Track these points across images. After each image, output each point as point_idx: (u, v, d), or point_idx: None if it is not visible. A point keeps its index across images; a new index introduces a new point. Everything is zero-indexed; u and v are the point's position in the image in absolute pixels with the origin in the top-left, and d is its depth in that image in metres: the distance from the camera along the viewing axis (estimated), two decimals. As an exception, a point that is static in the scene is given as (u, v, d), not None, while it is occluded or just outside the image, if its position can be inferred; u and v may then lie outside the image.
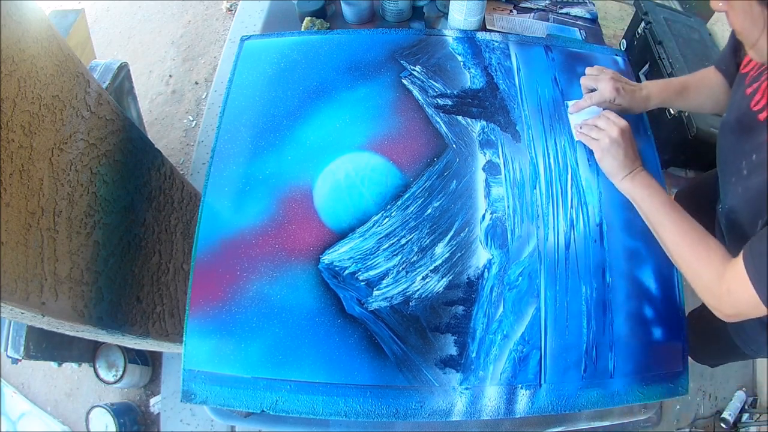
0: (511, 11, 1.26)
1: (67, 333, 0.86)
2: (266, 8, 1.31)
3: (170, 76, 2.17)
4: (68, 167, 0.83)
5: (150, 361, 1.58)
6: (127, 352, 1.47)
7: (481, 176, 0.90)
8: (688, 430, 1.57)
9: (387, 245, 0.84)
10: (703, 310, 0.71)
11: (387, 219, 0.86)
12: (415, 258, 0.83)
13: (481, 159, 0.91)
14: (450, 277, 0.82)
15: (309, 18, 1.20)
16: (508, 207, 0.87)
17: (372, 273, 0.82)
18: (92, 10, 2.32)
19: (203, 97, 2.10)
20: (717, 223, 0.92)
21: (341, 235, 0.84)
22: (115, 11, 2.39)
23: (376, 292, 0.81)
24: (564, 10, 1.29)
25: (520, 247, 0.84)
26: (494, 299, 0.81)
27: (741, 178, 0.72)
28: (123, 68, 1.45)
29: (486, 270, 0.83)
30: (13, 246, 0.67)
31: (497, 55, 1.03)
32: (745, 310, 0.62)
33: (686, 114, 1.56)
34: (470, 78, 1.00)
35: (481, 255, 0.84)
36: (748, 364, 1.68)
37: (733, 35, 0.81)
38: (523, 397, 0.77)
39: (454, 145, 0.92)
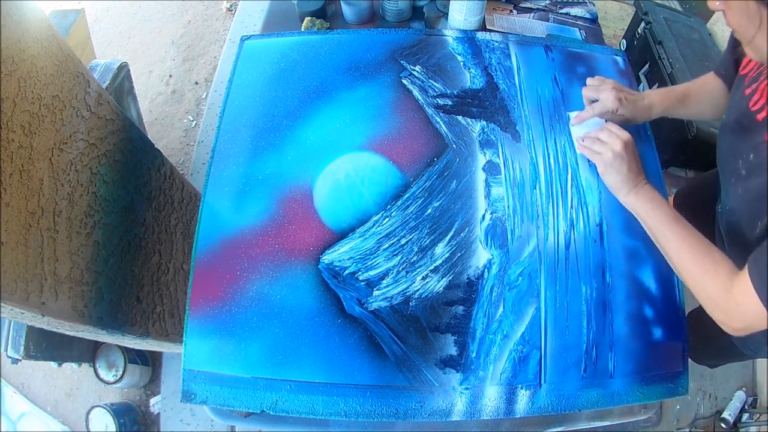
0: (511, 11, 1.26)
1: (67, 333, 0.86)
2: (266, 8, 1.31)
3: (170, 76, 2.17)
4: (68, 167, 0.83)
5: (150, 361, 1.58)
6: (127, 352, 1.47)
7: (481, 176, 0.90)
8: (688, 430, 1.57)
9: (387, 245, 0.84)
10: (701, 311, 0.71)
11: (387, 219, 0.86)
12: (415, 258, 0.83)
13: (481, 159, 0.91)
14: (450, 277, 0.82)
15: (309, 18, 1.20)
16: (508, 207, 0.87)
17: (372, 273, 0.82)
18: (92, 10, 2.32)
19: (203, 97, 2.10)
20: (717, 223, 0.92)
21: (341, 235, 0.84)
22: (115, 11, 2.39)
23: (376, 292, 0.81)
24: (564, 10, 1.29)
25: (520, 247, 0.84)
26: (494, 299, 0.81)
27: (740, 179, 0.71)
28: (123, 68, 1.45)
29: (486, 270, 0.83)
30: (13, 246, 0.67)
31: (497, 55, 1.03)
32: (752, 323, 0.61)
33: (686, 114, 1.56)
34: (470, 78, 1.00)
35: (481, 255, 0.84)
36: (748, 364, 1.68)
37: (732, 39, 0.81)
38: (523, 397, 0.77)
39: (454, 145, 0.92)
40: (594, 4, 1.32)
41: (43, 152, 0.77)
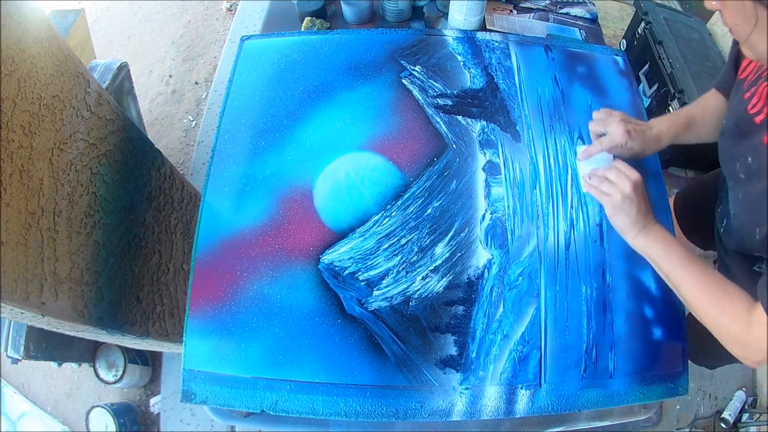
0: (511, 11, 1.26)
1: (67, 333, 0.86)
2: (266, 8, 1.31)
3: (170, 76, 2.17)
4: (68, 167, 0.83)
5: (150, 361, 1.58)
6: (127, 352, 1.47)
7: (481, 176, 0.90)
8: (688, 430, 1.57)
9: (387, 245, 0.84)
10: None
11: (387, 219, 0.86)
12: (415, 258, 0.83)
13: (481, 159, 0.91)
14: (450, 277, 0.82)
15: (309, 18, 1.20)
16: (508, 207, 0.87)
17: (372, 273, 0.82)
18: (92, 10, 2.31)
19: (203, 97, 2.09)
20: (716, 225, 0.92)
21: (341, 235, 0.84)
22: (115, 11, 2.39)
23: (376, 292, 0.81)
24: (564, 10, 1.29)
25: (520, 247, 0.84)
26: (494, 299, 0.81)
27: (740, 183, 0.71)
28: (123, 68, 1.45)
29: (486, 270, 0.83)
30: (13, 246, 0.67)
31: (497, 55, 1.03)
32: None
33: (686, 114, 1.56)
34: (470, 78, 1.00)
35: (481, 255, 0.84)
36: (748, 364, 1.68)
37: (732, 49, 0.81)
38: (523, 397, 0.77)
39: (454, 145, 0.92)
40: (594, 4, 1.32)
41: (43, 152, 0.77)
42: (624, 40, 2.01)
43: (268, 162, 0.90)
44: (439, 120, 0.95)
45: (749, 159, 0.68)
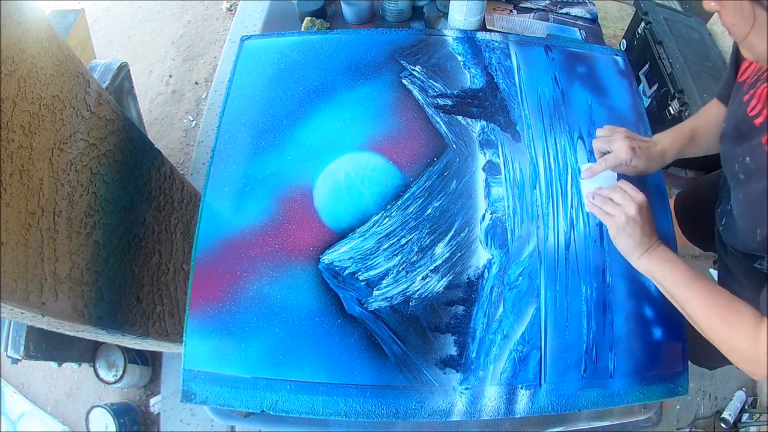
0: (511, 11, 1.26)
1: (67, 333, 0.86)
2: (266, 8, 1.31)
3: (170, 76, 2.17)
4: (68, 167, 0.83)
5: (150, 361, 1.58)
6: (127, 352, 1.47)
7: (481, 176, 0.90)
8: (688, 430, 1.57)
9: (387, 245, 0.84)
10: None
11: (387, 219, 0.86)
12: (415, 258, 0.83)
13: (481, 159, 0.91)
14: (450, 277, 0.82)
15: (309, 18, 1.20)
16: (508, 207, 0.87)
17: (372, 273, 0.82)
18: (92, 10, 2.32)
19: (203, 97, 2.09)
20: (716, 225, 0.92)
21: (341, 235, 0.84)
22: (115, 11, 2.39)
23: (376, 292, 0.81)
24: (564, 10, 1.29)
25: (520, 247, 0.84)
26: (494, 299, 0.81)
27: (740, 184, 0.71)
28: (123, 68, 1.45)
29: (486, 270, 0.83)
30: (13, 246, 0.67)
31: (497, 55, 1.03)
32: None
33: (686, 113, 1.56)
34: (470, 78, 1.00)
35: (481, 255, 0.84)
36: (748, 364, 1.67)
37: (733, 56, 0.81)
38: (523, 397, 0.77)
39: (454, 145, 0.92)
40: (594, 4, 1.32)
41: (43, 152, 0.77)
42: (624, 40, 2.01)
43: (268, 162, 0.90)
44: (439, 120, 0.95)
45: (747, 159, 0.68)
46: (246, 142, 0.92)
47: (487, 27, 1.20)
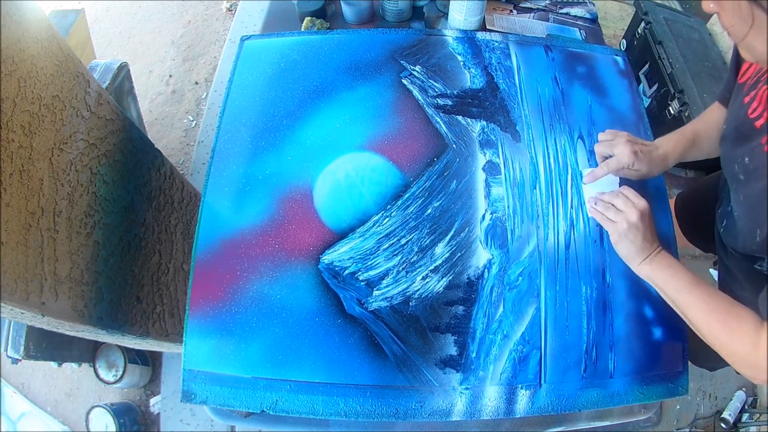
0: (511, 11, 1.26)
1: (67, 333, 0.86)
2: (266, 8, 1.31)
3: (170, 76, 2.17)
4: (68, 167, 0.83)
5: (150, 361, 1.58)
6: (127, 352, 1.47)
7: (481, 176, 0.90)
8: (688, 430, 1.57)
9: (387, 245, 0.84)
10: None
11: (387, 219, 0.86)
12: (415, 258, 0.83)
13: (481, 159, 0.91)
14: (450, 277, 0.82)
15: (309, 18, 1.20)
16: (508, 207, 0.87)
17: (372, 273, 0.82)
18: (92, 10, 2.31)
19: (203, 97, 2.09)
20: (716, 226, 0.92)
21: (341, 235, 0.84)
22: (115, 11, 2.39)
23: (376, 292, 0.81)
24: (564, 10, 1.29)
25: (520, 247, 0.84)
26: (494, 299, 0.81)
27: (740, 185, 0.71)
28: (123, 68, 1.45)
29: (486, 270, 0.83)
30: (13, 246, 0.67)
31: (497, 55, 1.03)
32: None
33: (686, 113, 1.56)
34: (470, 78, 1.00)
35: (481, 255, 0.84)
36: (748, 364, 1.67)
37: (733, 59, 0.81)
38: (523, 397, 0.77)
39: (454, 145, 0.92)
40: (594, 4, 1.32)
41: (43, 152, 0.77)
42: (624, 40, 2.01)
43: (268, 162, 0.90)
44: (439, 120, 0.95)
45: (746, 160, 0.68)
46: (246, 142, 0.92)
47: (487, 27, 1.20)
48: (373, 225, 0.85)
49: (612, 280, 0.83)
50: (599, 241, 0.86)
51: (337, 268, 0.82)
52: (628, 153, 0.80)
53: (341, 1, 1.19)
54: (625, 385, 0.79)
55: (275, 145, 0.92)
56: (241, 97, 0.97)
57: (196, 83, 2.14)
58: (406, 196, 0.87)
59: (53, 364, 1.59)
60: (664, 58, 1.69)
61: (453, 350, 0.78)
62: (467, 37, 1.06)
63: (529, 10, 1.27)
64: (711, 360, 1.13)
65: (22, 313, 0.70)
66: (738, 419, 1.59)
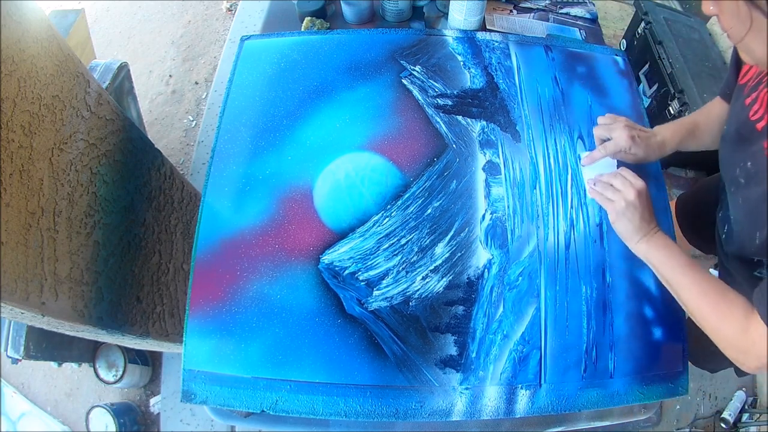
0: (511, 11, 1.26)
1: (67, 333, 0.86)
2: (266, 8, 1.31)
3: (170, 76, 2.16)
4: (68, 167, 0.83)
5: (150, 361, 1.58)
6: (127, 352, 1.47)
7: (481, 176, 0.90)
8: (688, 430, 1.57)
9: (387, 245, 0.84)
10: None
11: (387, 219, 0.86)
12: (415, 258, 0.83)
13: (481, 159, 0.91)
14: (450, 277, 0.82)
15: (309, 18, 1.20)
16: (508, 207, 0.87)
17: (372, 273, 0.82)
18: (92, 10, 2.31)
19: (203, 97, 2.09)
20: (717, 229, 0.92)
21: (341, 235, 0.84)
22: (115, 11, 2.39)
23: (376, 292, 0.81)
24: (564, 10, 1.29)
25: (520, 247, 0.84)
26: (494, 299, 0.81)
27: (740, 188, 0.71)
28: (123, 68, 1.45)
29: (486, 270, 0.83)
30: (13, 246, 0.67)
31: (497, 55, 1.03)
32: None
33: (686, 113, 1.56)
34: (470, 78, 1.00)
35: (481, 255, 0.84)
36: (748, 364, 1.67)
37: (733, 55, 0.81)
38: (523, 397, 0.77)
39: (454, 145, 0.92)
40: (594, 4, 1.32)
41: (43, 152, 0.77)
42: (624, 40, 2.01)
43: (268, 162, 0.90)
44: (439, 120, 0.95)
45: (749, 164, 0.68)
46: (246, 142, 0.92)
47: (487, 27, 1.20)
48: (373, 225, 0.85)
49: (612, 280, 0.83)
50: (599, 241, 0.86)
51: (337, 268, 0.82)
52: (626, 137, 0.81)
53: (341, 1, 1.20)
54: (625, 385, 0.79)
55: (275, 145, 0.92)
56: (241, 97, 0.97)
57: (196, 83, 2.14)
58: (406, 196, 0.87)
59: (53, 364, 1.59)
60: (664, 58, 1.69)
61: (453, 350, 0.78)
62: (467, 37, 1.06)
63: (529, 10, 1.27)
64: (712, 362, 1.13)
65: (22, 313, 0.70)
66: (738, 419, 1.59)
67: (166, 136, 2.02)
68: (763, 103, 0.67)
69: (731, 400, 1.62)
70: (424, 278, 0.82)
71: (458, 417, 0.76)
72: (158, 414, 1.49)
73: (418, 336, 0.78)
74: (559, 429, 0.93)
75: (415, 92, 0.97)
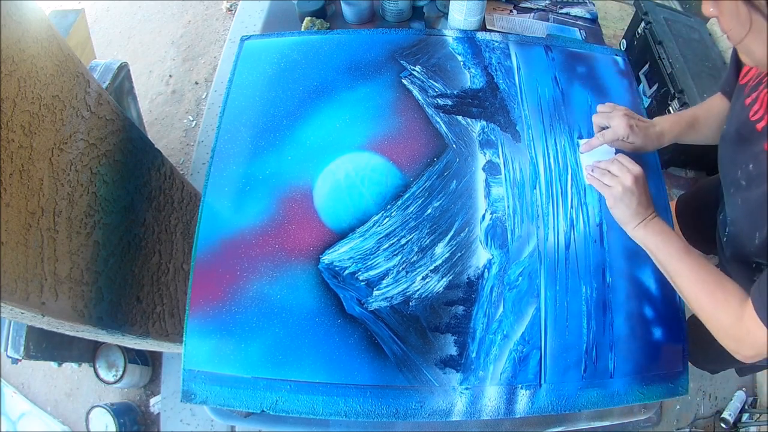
0: (511, 11, 1.26)
1: (67, 333, 0.86)
2: (266, 8, 1.31)
3: (170, 76, 2.17)
4: (68, 167, 0.83)
5: (150, 361, 1.58)
6: (127, 352, 1.47)
7: (481, 176, 0.90)
8: (688, 430, 1.57)
9: (387, 245, 0.84)
10: None
11: (387, 219, 0.86)
12: (415, 258, 0.83)
13: (481, 159, 0.91)
14: (450, 277, 0.82)
15: (309, 18, 1.20)
16: (508, 207, 0.87)
17: (372, 273, 0.82)
18: (92, 10, 2.31)
19: (203, 97, 2.09)
20: (717, 230, 0.92)
21: (341, 235, 0.84)
22: (115, 11, 2.39)
23: (376, 292, 0.81)
24: (564, 10, 1.29)
25: (520, 247, 0.84)
26: (494, 299, 0.81)
27: (740, 189, 0.71)
28: (123, 68, 1.45)
29: (486, 270, 0.83)
30: (13, 246, 0.67)
31: (497, 55, 1.03)
32: (762, 350, 0.61)
33: (686, 114, 1.56)
34: (470, 78, 1.00)
35: (481, 255, 0.84)
36: (748, 364, 1.67)
37: (733, 53, 0.81)
38: (523, 397, 0.77)
39: (454, 145, 0.92)
40: (594, 4, 1.32)
41: (43, 152, 0.77)
42: (624, 40, 2.01)
43: (268, 162, 0.90)
44: (439, 120, 0.95)
45: (750, 166, 0.68)
46: (246, 142, 0.92)
47: (487, 27, 1.20)
48: (373, 225, 0.85)
49: (612, 280, 0.83)
50: (599, 241, 0.86)
51: (337, 268, 0.82)
52: (624, 126, 0.82)
53: (341, 1, 1.20)
54: (625, 385, 0.79)
55: (275, 145, 0.92)
56: (241, 97, 0.97)
57: (196, 83, 2.14)
58: (406, 196, 0.88)
59: (53, 364, 1.59)
60: (664, 58, 1.69)
61: (453, 350, 0.78)
62: (467, 37, 1.06)
63: (529, 10, 1.27)
64: (713, 362, 1.13)
65: (22, 313, 0.70)
66: (738, 419, 1.59)
67: (166, 136, 2.02)
68: (763, 104, 0.67)
69: (731, 400, 1.62)
70: (424, 278, 0.82)
71: (458, 417, 0.76)
72: (158, 414, 1.49)
73: (418, 336, 0.78)
74: (559, 429, 0.93)
75: (415, 92, 0.97)
